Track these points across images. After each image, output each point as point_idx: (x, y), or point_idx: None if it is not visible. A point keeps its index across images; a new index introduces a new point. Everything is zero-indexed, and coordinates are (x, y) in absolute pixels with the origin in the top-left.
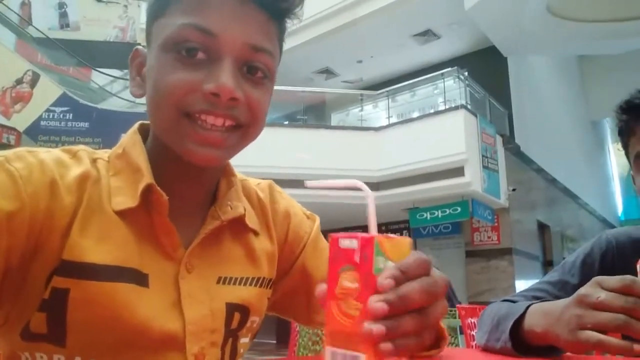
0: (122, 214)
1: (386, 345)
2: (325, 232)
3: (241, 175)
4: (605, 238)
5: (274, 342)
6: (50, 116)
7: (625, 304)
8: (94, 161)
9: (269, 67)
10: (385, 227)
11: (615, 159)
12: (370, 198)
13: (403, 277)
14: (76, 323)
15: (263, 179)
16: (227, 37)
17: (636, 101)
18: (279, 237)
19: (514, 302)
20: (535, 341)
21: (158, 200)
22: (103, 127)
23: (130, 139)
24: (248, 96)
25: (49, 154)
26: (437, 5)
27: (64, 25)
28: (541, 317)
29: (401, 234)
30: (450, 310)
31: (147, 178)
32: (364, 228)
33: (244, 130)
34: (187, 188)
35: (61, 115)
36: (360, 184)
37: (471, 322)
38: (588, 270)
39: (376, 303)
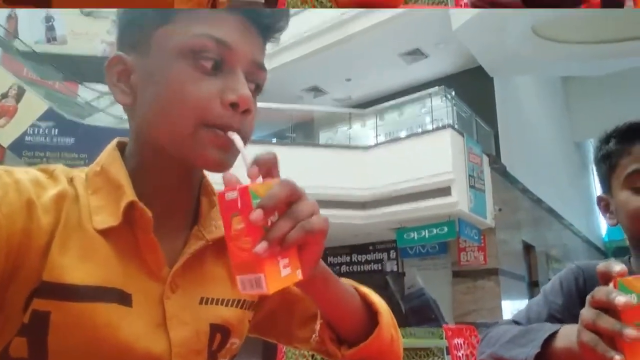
0: (103, 232)
1: (261, 246)
2: None
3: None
4: (576, 266)
5: None
6: (35, 131)
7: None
8: (70, 180)
9: (263, 84)
10: (372, 247)
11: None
12: (240, 143)
13: (266, 199)
14: (58, 347)
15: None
16: (240, 51)
17: (636, 125)
18: None
19: (519, 323)
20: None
21: (142, 217)
22: (89, 143)
23: (108, 155)
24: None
25: (25, 174)
26: (424, 25)
27: (51, 39)
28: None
29: (388, 254)
30: (437, 331)
31: (129, 195)
32: (351, 247)
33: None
34: (169, 205)
35: (46, 131)
36: (235, 137)
37: (458, 343)
38: (567, 290)
39: (253, 213)
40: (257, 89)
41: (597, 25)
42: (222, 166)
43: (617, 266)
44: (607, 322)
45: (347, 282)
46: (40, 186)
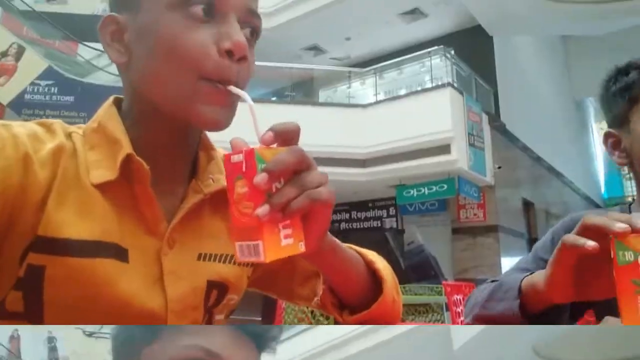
0: (101, 187)
1: (262, 209)
2: None
3: (222, 151)
4: (569, 218)
5: (259, 319)
6: (35, 90)
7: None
8: (69, 135)
9: (259, 32)
10: (372, 204)
11: (599, 138)
12: (252, 107)
13: (272, 164)
14: (53, 301)
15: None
16: None
17: None
18: None
19: None
20: (538, 299)
21: (139, 170)
22: (88, 102)
23: (105, 112)
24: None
25: (23, 128)
26: None
27: None
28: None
29: (388, 211)
30: (436, 287)
31: (127, 148)
32: (350, 205)
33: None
34: (167, 160)
35: (46, 89)
36: (243, 94)
37: (457, 299)
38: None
39: (257, 176)
40: (253, 35)
41: None
42: (219, 125)
43: (618, 224)
44: (596, 220)
45: (351, 248)
46: (38, 140)
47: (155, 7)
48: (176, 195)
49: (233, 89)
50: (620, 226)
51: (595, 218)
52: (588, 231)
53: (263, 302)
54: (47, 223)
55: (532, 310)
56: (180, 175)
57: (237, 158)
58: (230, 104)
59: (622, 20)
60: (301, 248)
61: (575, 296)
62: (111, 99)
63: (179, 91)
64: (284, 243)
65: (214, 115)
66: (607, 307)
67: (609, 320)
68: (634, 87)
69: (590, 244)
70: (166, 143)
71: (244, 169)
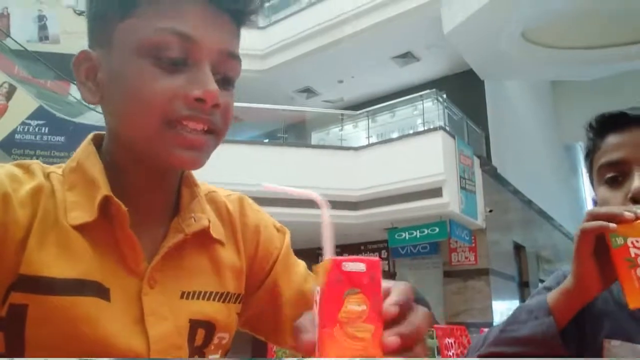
0: (80, 228)
1: (394, 339)
2: (301, 251)
3: (210, 186)
4: (562, 272)
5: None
6: (26, 129)
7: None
8: (47, 175)
9: (238, 74)
10: (364, 247)
11: (588, 182)
12: (326, 213)
13: (406, 302)
14: (35, 341)
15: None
16: (206, 42)
17: (604, 117)
18: (248, 251)
19: None
20: (569, 304)
21: (117, 212)
22: (80, 142)
23: (83, 151)
24: (223, 102)
25: (1, 169)
26: (416, 29)
27: (43, 37)
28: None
29: (380, 254)
30: (428, 331)
31: (104, 190)
32: (342, 247)
33: (216, 135)
34: (147, 199)
35: (37, 129)
36: (315, 196)
37: (449, 343)
38: None
39: (389, 338)
40: (227, 81)
41: (584, 31)
42: (192, 164)
43: (627, 213)
44: (609, 208)
45: None
46: (16, 181)
47: (125, 50)
48: (157, 234)
49: (266, 185)
50: (629, 214)
51: (602, 208)
52: (596, 219)
53: (252, 344)
54: (29, 262)
55: (562, 324)
56: (161, 213)
57: (354, 267)
58: (202, 147)
59: (610, 66)
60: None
61: (604, 283)
62: (90, 136)
63: (147, 135)
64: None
65: (186, 156)
66: None
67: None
68: (589, 153)
69: (613, 225)
70: (144, 183)
71: (364, 281)
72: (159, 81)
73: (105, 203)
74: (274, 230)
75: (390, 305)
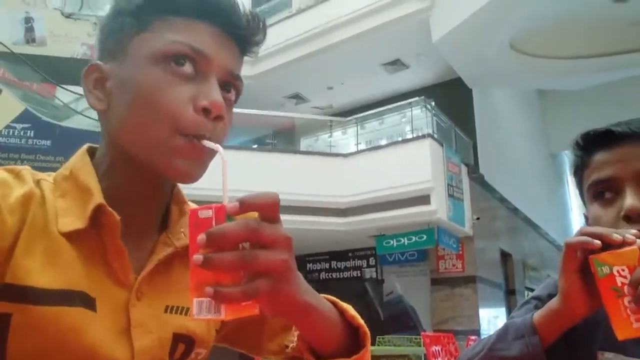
0: (69, 236)
1: (208, 290)
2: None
3: (193, 205)
4: (554, 281)
5: None
6: (10, 133)
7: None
8: (37, 182)
9: (239, 95)
10: (352, 254)
11: (574, 190)
12: (225, 163)
13: (215, 231)
14: (18, 351)
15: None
16: (216, 59)
17: (590, 135)
18: None
19: None
20: (555, 324)
21: (109, 221)
22: (66, 146)
23: (78, 160)
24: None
25: None
26: (406, 36)
27: (30, 40)
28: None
29: (367, 261)
30: (415, 338)
31: (98, 198)
32: (330, 254)
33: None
34: (138, 211)
35: (22, 132)
36: (218, 147)
37: (436, 350)
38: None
39: (199, 235)
40: (229, 100)
41: (571, 41)
42: (190, 177)
43: (616, 235)
44: (598, 229)
45: (328, 300)
46: (6, 186)
47: (139, 59)
48: (145, 248)
49: (208, 143)
50: (616, 236)
51: (594, 227)
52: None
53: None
54: (15, 270)
55: (548, 342)
56: (151, 227)
57: (205, 213)
58: (203, 159)
59: (596, 76)
60: (256, 310)
61: (590, 308)
62: (85, 146)
63: (154, 143)
64: (245, 302)
65: (186, 168)
66: None
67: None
68: (577, 169)
69: (597, 242)
70: (138, 194)
71: (213, 225)
72: (172, 87)
73: (98, 211)
74: None
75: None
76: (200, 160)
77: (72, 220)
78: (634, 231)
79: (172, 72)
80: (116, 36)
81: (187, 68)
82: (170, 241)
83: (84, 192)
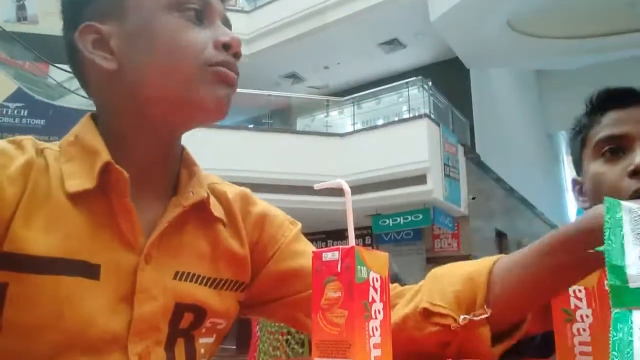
0: (76, 198)
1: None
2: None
3: (215, 178)
4: None
5: (234, 347)
6: (4, 112)
7: None
8: (40, 151)
9: None
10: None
11: (570, 171)
12: (349, 197)
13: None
14: (13, 320)
15: (233, 182)
16: (215, 4)
17: (609, 93)
18: (251, 239)
19: None
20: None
21: (117, 179)
22: (60, 125)
23: (83, 126)
24: None
25: None
26: (403, 15)
27: (22, 18)
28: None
29: (363, 240)
30: None
31: (105, 157)
32: (327, 233)
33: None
34: (148, 173)
35: (15, 112)
36: (342, 183)
37: None
38: None
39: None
40: None
41: (569, 21)
42: (221, 110)
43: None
44: None
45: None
46: (6, 156)
47: (147, 10)
48: (156, 211)
49: (323, 184)
50: None
51: None
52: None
53: (237, 331)
54: (13, 239)
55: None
56: (161, 191)
57: (331, 256)
58: (233, 85)
59: (595, 56)
60: None
61: (542, 327)
62: (88, 114)
63: (187, 78)
64: (374, 354)
65: (225, 92)
66: None
67: None
68: (583, 130)
69: None
70: (149, 158)
71: (338, 269)
72: (192, 30)
73: (105, 171)
74: (285, 220)
75: None
76: (233, 88)
77: (80, 181)
78: None
79: (186, 17)
80: None
81: (196, 12)
82: (179, 202)
83: (90, 153)
